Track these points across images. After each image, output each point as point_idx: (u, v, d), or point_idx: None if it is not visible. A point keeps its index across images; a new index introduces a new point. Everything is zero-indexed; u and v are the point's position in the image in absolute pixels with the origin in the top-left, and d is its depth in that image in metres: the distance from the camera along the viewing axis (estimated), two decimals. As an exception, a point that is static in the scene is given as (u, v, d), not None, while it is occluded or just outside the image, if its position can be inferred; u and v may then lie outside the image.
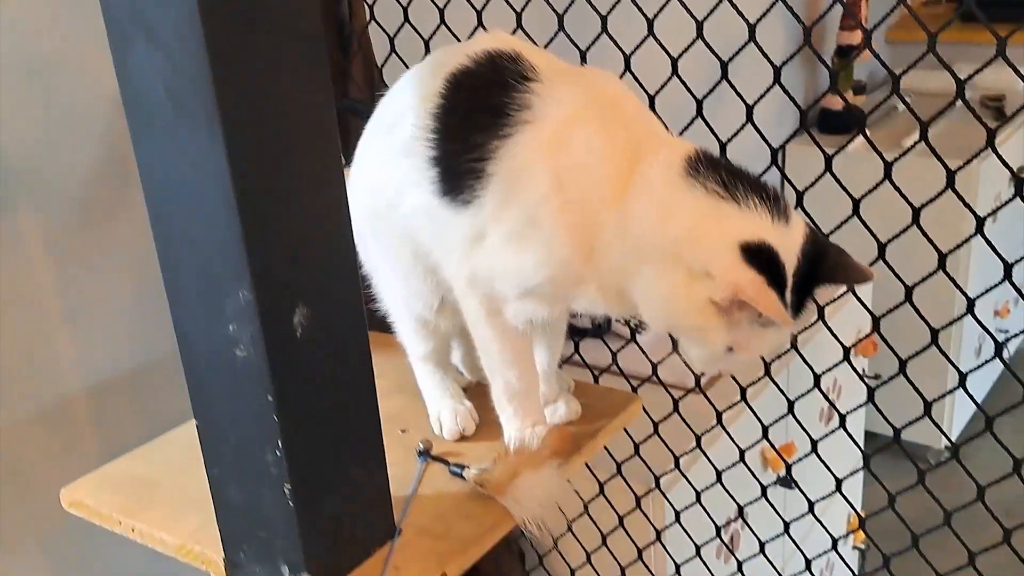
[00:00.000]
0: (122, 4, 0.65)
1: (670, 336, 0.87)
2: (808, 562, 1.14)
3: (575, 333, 1.59)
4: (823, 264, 0.78)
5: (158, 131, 0.68)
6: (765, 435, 1.08)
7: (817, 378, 1.02)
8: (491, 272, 0.85)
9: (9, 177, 1.14)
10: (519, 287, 0.84)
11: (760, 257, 0.74)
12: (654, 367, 1.14)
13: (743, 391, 1.08)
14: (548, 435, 0.92)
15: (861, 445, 1.02)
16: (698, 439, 1.15)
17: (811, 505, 1.10)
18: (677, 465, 1.19)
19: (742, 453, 1.12)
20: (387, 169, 0.91)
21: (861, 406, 1.01)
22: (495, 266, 0.84)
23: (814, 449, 1.05)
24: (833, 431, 1.04)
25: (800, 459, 1.13)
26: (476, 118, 0.83)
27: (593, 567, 1.35)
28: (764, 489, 1.13)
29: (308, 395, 0.75)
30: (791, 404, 1.06)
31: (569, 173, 0.80)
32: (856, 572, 1.20)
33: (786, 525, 1.13)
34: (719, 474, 1.15)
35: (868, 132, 2.67)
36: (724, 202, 0.76)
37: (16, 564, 1.23)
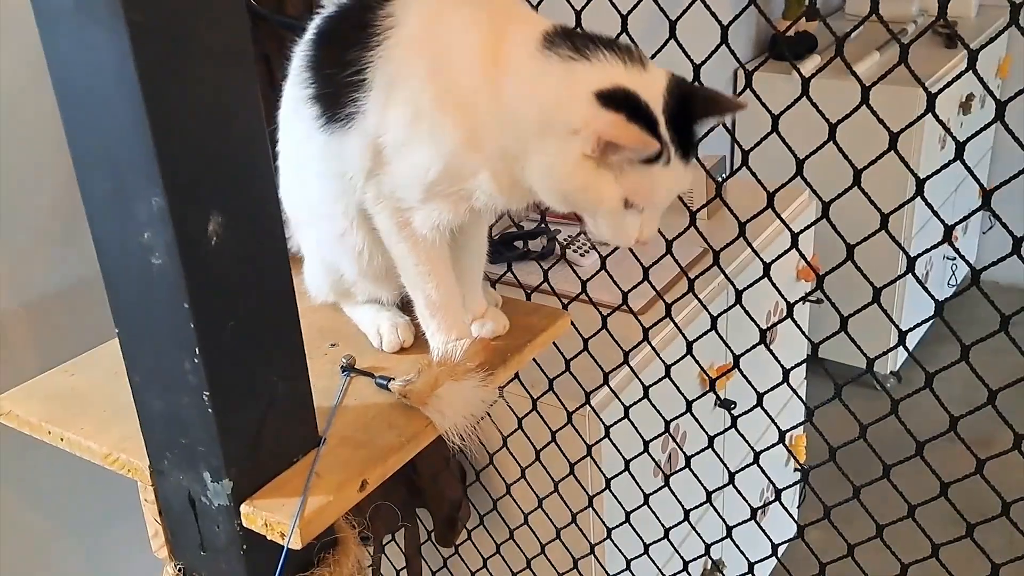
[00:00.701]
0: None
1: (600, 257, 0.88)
2: (731, 476, 1.17)
3: (514, 256, 1.61)
4: (694, 100, 0.81)
5: (64, 31, 0.67)
6: (689, 351, 1.11)
7: (739, 294, 1.04)
8: (392, 182, 0.86)
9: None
10: (418, 188, 0.86)
11: (616, 99, 0.77)
12: (583, 284, 1.16)
13: (668, 307, 1.11)
14: (472, 348, 0.93)
15: (784, 364, 1.04)
16: (625, 355, 1.17)
17: (734, 420, 1.13)
18: (606, 381, 1.21)
19: (668, 369, 1.14)
20: (287, 137, 0.94)
21: (781, 321, 1.03)
22: (393, 174, 0.86)
23: (736, 365, 1.08)
24: (752, 347, 1.06)
25: (724, 373, 1.16)
26: (343, 39, 0.86)
27: (528, 482, 1.38)
28: (689, 404, 1.16)
29: (224, 304, 0.76)
30: (714, 320, 1.08)
31: (440, 59, 0.82)
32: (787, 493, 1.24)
33: (710, 440, 1.16)
34: (646, 390, 1.18)
35: (821, 59, 2.69)
36: (576, 62, 0.79)
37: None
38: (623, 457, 1.26)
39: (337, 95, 0.86)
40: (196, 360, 0.75)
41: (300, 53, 0.91)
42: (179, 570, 0.91)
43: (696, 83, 0.99)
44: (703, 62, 0.97)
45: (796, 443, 2.27)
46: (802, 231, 0.98)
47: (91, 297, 1.30)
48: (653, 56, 1.00)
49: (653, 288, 1.10)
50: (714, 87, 1.01)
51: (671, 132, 0.79)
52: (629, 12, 1.01)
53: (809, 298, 2.10)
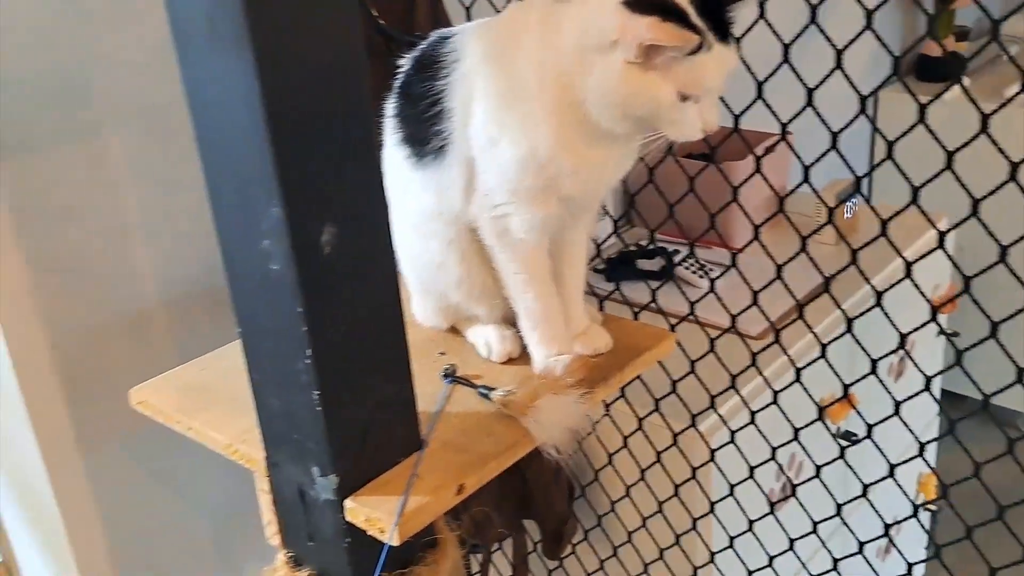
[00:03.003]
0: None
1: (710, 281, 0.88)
2: (839, 508, 1.15)
3: (630, 275, 1.62)
4: None
5: (198, 55, 0.73)
6: (798, 378, 1.09)
7: (849, 322, 1.02)
8: (487, 189, 0.91)
9: (98, 103, 1.23)
10: (508, 188, 0.90)
11: (643, 3, 0.79)
12: (691, 305, 1.16)
13: (777, 332, 1.09)
14: (573, 363, 0.95)
15: (912, 398, 1.01)
16: (733, 379, 1.17)
17: (842, 451, 1.10)
18: (712, 405, 1.21)
19: (775, 396, 1.13)
20: (392, 192, 0.99)
21: (894, 351, 1.01)
22: (486, 182, 0.90)
23: (844, 395, 1.06)
24: (863, 378, 1.04)
25: (833, 403, 1.13)
26: (419, 79, 0.93)
27: (632, 501, 1.39)
28: (796, 433, 1.14)
29: (336, 309, 0.80)
30: (824, 348, 1.06)
31: (500, 61, 0.88)
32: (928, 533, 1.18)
33: (817, 470, 1.14)
34: (753, 416, 1.17)
35: (971, 80, 2.58)
36: None
37: (99, 459, 1.35)
38: (728, 482, 1.25)
39: (420, 131, 0.93)
40: (308, 361, 0.80)
41: (388, 106, 0.98)
42: (289, 558, 0.96)
43: (811, 107, 0.98)
44: (815, 87, 0.96)
45: (925, 481, 2.18)
46: (916, 260, 0.96)
47: (223, 300, 1.39)
48: (818, 85, 0.98)
49: (761, 312, 1.10)
50: (850, 105, 1.00)
51: (703, 18, 0.81)
52: (788, 43, 1.00)
53: (950, 334, 2.02)
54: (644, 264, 1.67)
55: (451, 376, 0.98)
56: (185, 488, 1.46)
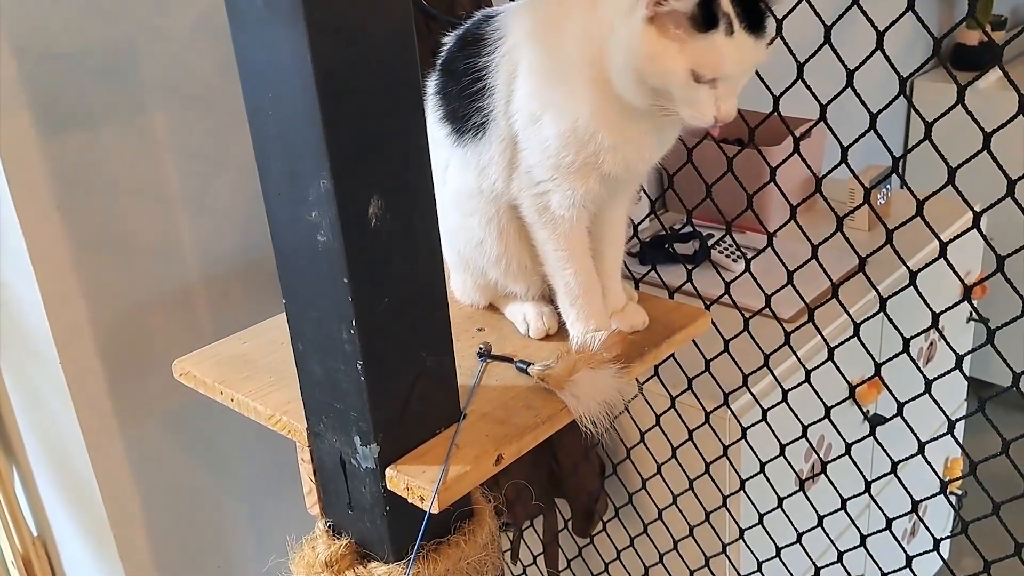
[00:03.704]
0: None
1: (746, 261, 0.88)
2: (868, 485, 1.16)
3: (664, 259, 1.63)
4: None
5: (252, 27, 0.75)
6: (831, 357, 1.10)
7: (883, 302, 1.03)
8: (527, 166, 0.92)
9: (144, 79, 1.25)
10: (549, 164, 0.91)
11: None
12: (727, 285, 1.17)
13: (811, 312, 1.10)
14: (609, 339, 0.97)
15: (941, 381, 1.02)
16: (766, 358, 1.18)
17: (872, 429, 1.11)
18: (745, 383, 1.22)
19: (808, 374, 1.14)
20: (433, 170, 1.02)
21: (925, 331, 1.01)
22: (528, 159, 0.92)
23: (876, 373, 1.07)
24: (894, 356, 1.05)
25: (864, 381, 1.14)
26: (462, 56, 0.94)
27: (663, 478, 1.40)
28: (828, 411, 1.15)
29: (380, 280, 0.82)
30: (857, 327, 1.07)
31: (546, 41, 0.90)
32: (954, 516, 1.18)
33: (848, 447, 1.15)
34: (785, 394, 1.18)
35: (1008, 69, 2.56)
36: None
37: (137, 432, 1.37)
38: (759, 460, 1.26)
39: (462, 109, 0.94)
40: (352, 331, 0.82)
41: (430, 84, 1.00)
42: (328, 527, 0.98)
43: (851, 87, 0.99)
44: (856, 68, 0.97)
45: (952, 466, 2.19)
46: (951, 241, 0.96)
47: (262, 276, 1.41)
48: (858, 66, 0.99)
49: (797, 293, 1.11)
50: (885, 94, 1.01)
51: (737, 7, 0.82)
52: (831, 25, 1.01)
53: (978, 319, 2.02)
54: (679, 247, 1.68)
55: (486, 355, 0.99)
56: (221, 461, 1.48)
